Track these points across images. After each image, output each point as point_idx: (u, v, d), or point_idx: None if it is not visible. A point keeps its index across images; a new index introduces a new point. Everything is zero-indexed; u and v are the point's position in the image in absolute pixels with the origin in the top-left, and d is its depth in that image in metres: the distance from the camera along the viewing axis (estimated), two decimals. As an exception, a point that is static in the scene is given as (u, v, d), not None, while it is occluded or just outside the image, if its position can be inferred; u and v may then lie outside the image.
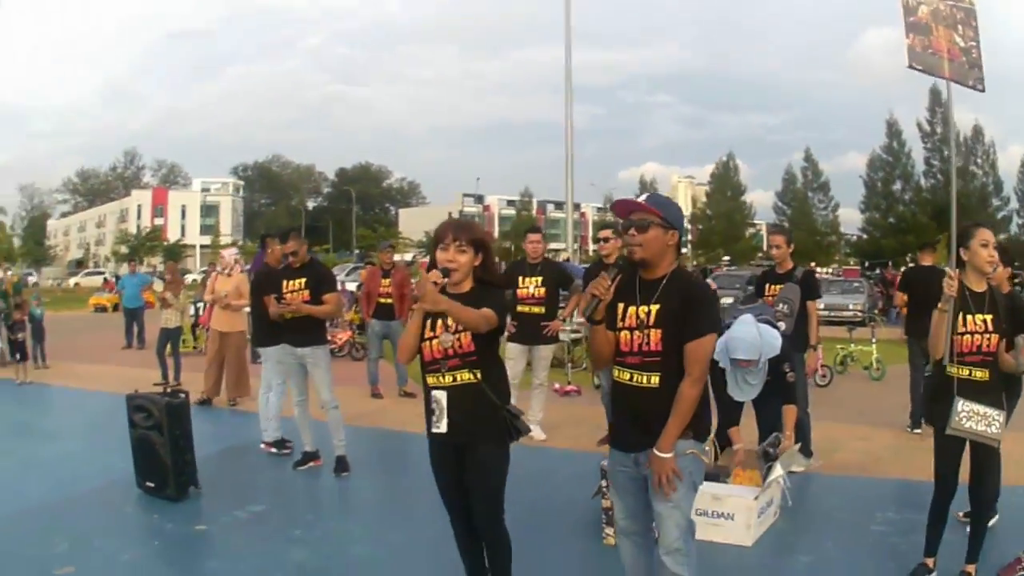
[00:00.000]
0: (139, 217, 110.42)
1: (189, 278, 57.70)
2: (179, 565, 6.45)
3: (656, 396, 4.29)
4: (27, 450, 10.08)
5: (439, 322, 4.77)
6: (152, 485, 7.85)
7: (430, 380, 4.85)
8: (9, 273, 21.85)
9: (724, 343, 7.12)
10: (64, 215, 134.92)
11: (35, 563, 6.19)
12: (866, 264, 68.29)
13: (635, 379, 4.35)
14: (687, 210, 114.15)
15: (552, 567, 6.13)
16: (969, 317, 5.51)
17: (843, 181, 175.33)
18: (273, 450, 9.69)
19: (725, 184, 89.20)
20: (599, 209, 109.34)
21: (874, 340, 16.27)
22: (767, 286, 9.26)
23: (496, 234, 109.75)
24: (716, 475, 7.17)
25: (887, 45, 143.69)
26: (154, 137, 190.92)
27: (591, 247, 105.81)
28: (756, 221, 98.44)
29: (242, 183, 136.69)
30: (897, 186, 72.10)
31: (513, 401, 9.50)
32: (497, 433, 4.83)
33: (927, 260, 12.50)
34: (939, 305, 5.39)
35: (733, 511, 6.58)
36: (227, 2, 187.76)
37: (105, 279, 58.39)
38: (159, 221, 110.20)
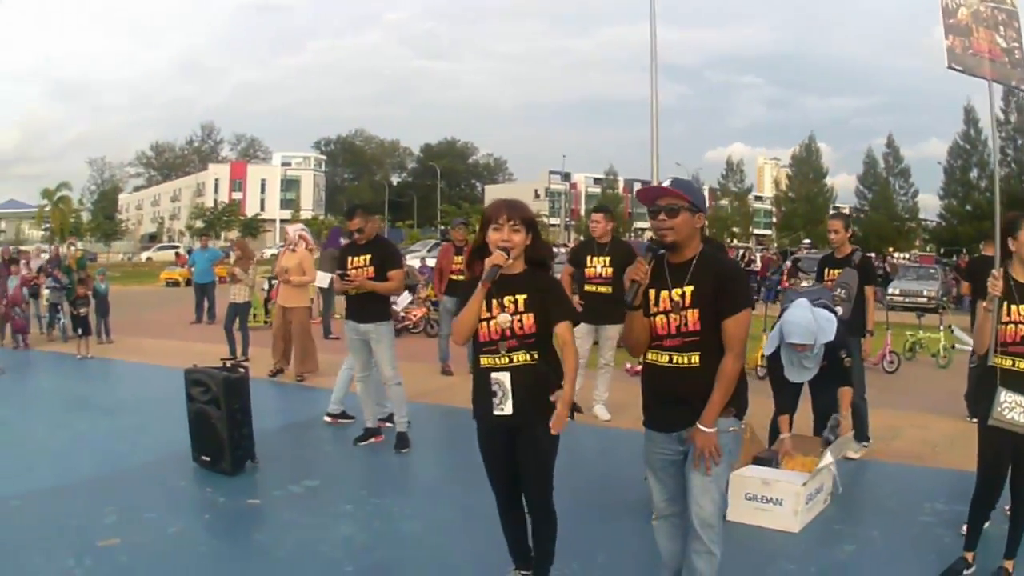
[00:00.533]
0: (216, 191, 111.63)
1: (268, 252, 58.10)
2: (226, 538, 6.59)
3: (697, 374, 4.35)
4: (84, 424, 10.26)
5: (495, 302, 4.80)
6: (208, 459, 7.97)
7: (485, 361, 4.85)
8: (72, 249, 22.23)
9: (779, 327, 7.28)
10: (137, 189, 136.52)
11: (81, 533, 6.30)
12: (942, 251, 67.56)
13: (675, 360, 4.40)
14: (771, 191, 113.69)
15: (598, 545, 6.15)
16: (1014, 307, 5.36)
17: (923, 167, 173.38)
18: (341, 422, 9.91)
19: (806, 167, 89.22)
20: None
21: (942, 327, 16.04)
22: (826, 270, 9.25)
23: (582, 212, 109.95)
24: (769, 460, 7.20)
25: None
26: (232, 111, 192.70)
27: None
28: (839, 204, 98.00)
29: (324, 157, 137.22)
30: (974, 174, 70.93)
31: (580, 380, 9.72)
32: (548, 410, 4.81)
33: (989, 250, 12.42)
34: (984, 304, 5.37)
35: (782, 496, 6.55)
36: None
37: (177, 253, 58.85)
38: (237, 195, 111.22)
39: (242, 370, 8.24)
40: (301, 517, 6.83)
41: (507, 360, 4.80)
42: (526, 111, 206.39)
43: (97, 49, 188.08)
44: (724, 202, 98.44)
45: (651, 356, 4.51)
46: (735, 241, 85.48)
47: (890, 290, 31.00)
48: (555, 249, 21.37)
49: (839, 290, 8.59)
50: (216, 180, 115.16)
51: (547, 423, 4.77)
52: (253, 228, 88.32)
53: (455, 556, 5.99)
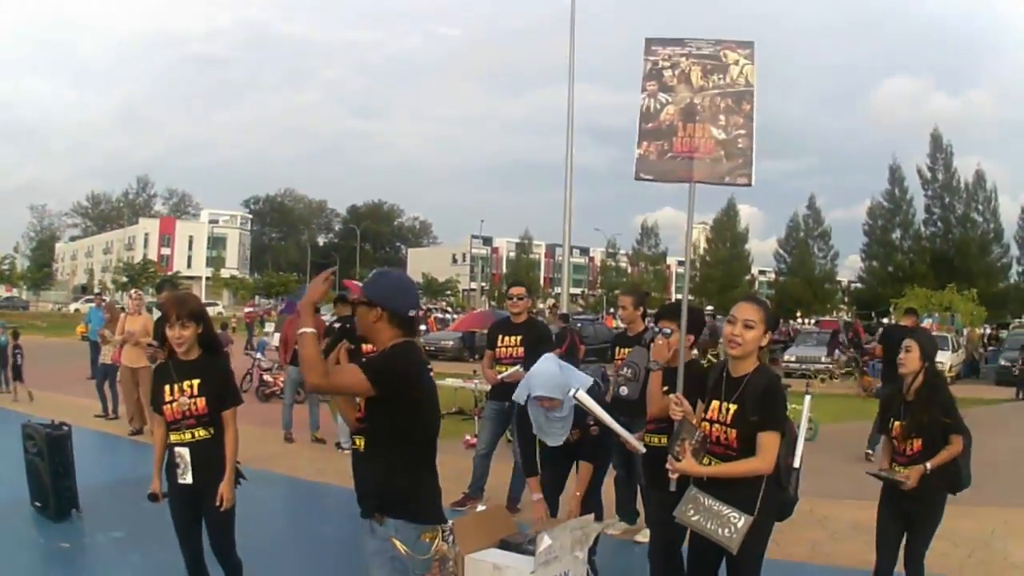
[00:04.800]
0: (145, 246, 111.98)
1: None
2: (30, 573, 7.61)
3: (362, 459, 4.68)
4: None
5: (176, 386, 5.62)
6: (39, 505, 8.97)
7: (173, 437, 5.65)
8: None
9: (526, 383, 6.99)
10: (73, 239, 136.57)
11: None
12: (848, 314, 68.51)
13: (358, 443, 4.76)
14: (693, 254, 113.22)
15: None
16: (715, 403, 5.00)
17: (856, 230, 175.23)
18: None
19: (727, 231, 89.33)
20: (610, 254, 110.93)
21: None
22: (617, 349, 9.13)
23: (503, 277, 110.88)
24: (519, 544, 6.21)
25: (904, 94, 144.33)
26: (168, 164, 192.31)
27: (598, 291, 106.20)
28: (763, 268, 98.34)
29: (250, 216, 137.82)
30: (896, 234, 71.84)
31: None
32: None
33: (906, 321, 14.35)
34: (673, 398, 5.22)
35: None
36: (248, 29, 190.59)
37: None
38: (166, 251, 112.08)
39: (65, 428, 9.13)
40: (95, 563, 7.89)
41: (189, 436, 5.61)
42: (456, 174, 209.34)
43: (44, 94, 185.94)
44: (642, 265, 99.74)
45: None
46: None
47: (785, 356, 31.30)
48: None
49: (626, 369, 8.17)
50: (146, 235, 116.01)
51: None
52: (174, 285, 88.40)
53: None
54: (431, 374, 4.62)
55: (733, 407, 4.87)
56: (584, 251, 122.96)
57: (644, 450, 6.33)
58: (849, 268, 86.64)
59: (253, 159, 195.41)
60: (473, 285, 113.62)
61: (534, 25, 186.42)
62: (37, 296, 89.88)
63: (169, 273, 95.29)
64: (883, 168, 72.90)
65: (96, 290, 60.28)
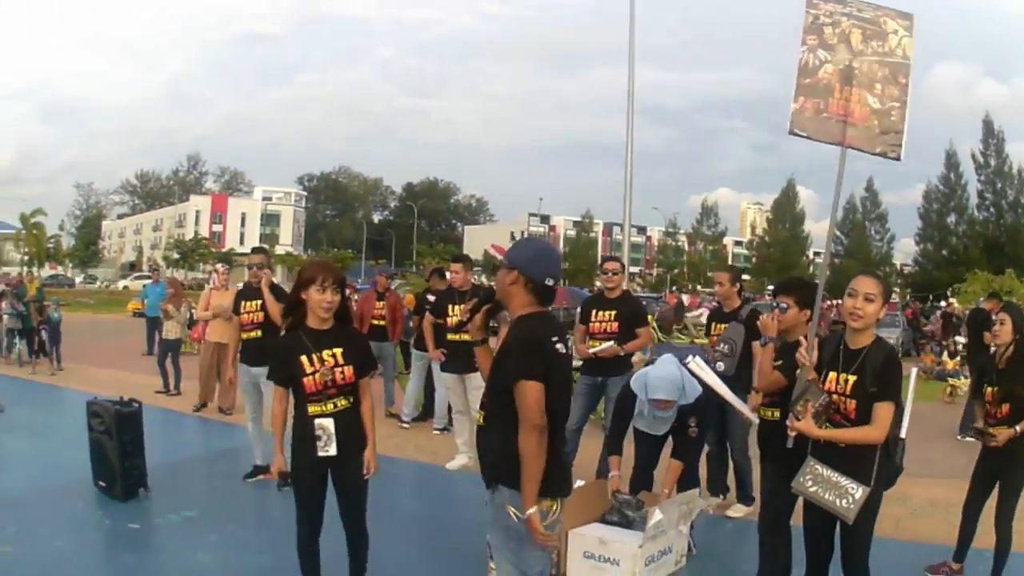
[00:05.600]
0: (197, 223, 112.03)
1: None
2: (101, 555, 7.17)
3: (483, 433, 4.39)
4: (13, 445, 10.82)
5: (315, 356, 5.40)
6: (104, 484, 8.50)
7: (313, 409, 5.40)
8: (32, 278, 22.82)
9: (644, 381, 7.14)
10: (121, 216, 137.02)
11: (-20, 541, 6.91)
12: (908, 297, 67.44)
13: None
14: (747, 235, 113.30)
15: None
16: (832, 374, 5.10)
17: (910, 212, 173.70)
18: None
19: (786, 212, 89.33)
20: (667, 233, 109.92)
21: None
22: (713, 325, 9.26)
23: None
24: (624, 521, 6.84)
25: (958, 80, 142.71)
26: (219, 142, 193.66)
27: (655, 270, 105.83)
28: (820, 250, 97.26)
29: (305, 193, 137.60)
30: (951, 219, 71.60)
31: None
32: (365, 447, 5.55)
33: (988, 305, 14.20)
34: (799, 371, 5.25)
35: (619, 557, 6.38)
36: (300, 8, 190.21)
37: (144, 285, 59.11)
38: (217, 228, 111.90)
39: (135, 405, 8.70)
40: (169, 543, 7.37)
41: (331, 407, 5.42)
42: (510, 152, 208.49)
43: (91, 72, 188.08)
44: (700, 245, 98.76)
45: None
46: (697, 287, 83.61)
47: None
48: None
49: (722, 345, 8.37)
50: (197, 212, 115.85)
51: (361, 455, 5.52)
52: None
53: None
54: (560, 345, 4.35)
55: (852, 378, 4.98)
56: (641, 230, 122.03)
57: (757, 420, 6.22)
58: (901, 252, 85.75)
59: (306, 138, 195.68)
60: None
61: (589, 4, 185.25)
62: (84, 273, 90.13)
63: (223, 250, 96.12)
64: (933, 152, 72.21)
65: (148, 267, 60.57)
